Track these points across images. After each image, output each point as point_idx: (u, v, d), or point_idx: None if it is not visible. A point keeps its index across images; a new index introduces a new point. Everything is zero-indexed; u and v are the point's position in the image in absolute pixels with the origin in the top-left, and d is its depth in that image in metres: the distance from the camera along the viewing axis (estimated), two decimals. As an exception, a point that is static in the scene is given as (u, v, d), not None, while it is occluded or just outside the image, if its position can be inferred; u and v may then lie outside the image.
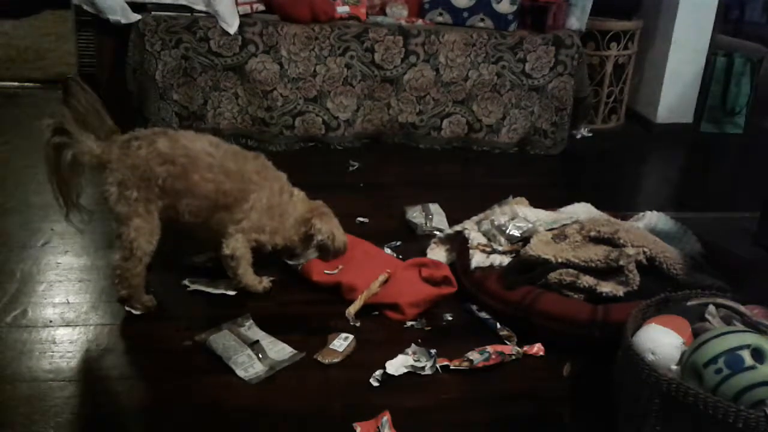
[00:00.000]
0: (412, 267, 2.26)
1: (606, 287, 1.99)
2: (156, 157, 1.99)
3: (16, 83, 4.46)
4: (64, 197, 1.99)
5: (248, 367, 1.84)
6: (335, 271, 2.24)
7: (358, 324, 2.06)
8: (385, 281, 2.19)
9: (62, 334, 1.99)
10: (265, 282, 2.22)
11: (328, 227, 2.26)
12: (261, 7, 3.55)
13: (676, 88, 4.15)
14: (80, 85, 1.96)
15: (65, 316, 2.07)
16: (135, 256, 2.01)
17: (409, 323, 2.08)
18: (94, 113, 1.99)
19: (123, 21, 3.33)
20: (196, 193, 2.05)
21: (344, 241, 2.30)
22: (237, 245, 2.13)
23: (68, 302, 2.14)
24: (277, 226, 2.20)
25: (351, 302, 2.13)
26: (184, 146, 2.04)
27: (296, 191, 2.29)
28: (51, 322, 2.04)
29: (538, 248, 2.14)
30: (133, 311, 2.06)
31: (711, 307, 1.67)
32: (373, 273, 2.21)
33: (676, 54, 4.07)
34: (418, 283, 2.19)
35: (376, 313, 2.12)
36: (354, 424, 1.65)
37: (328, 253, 2.28)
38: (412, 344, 1.96)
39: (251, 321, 2.02)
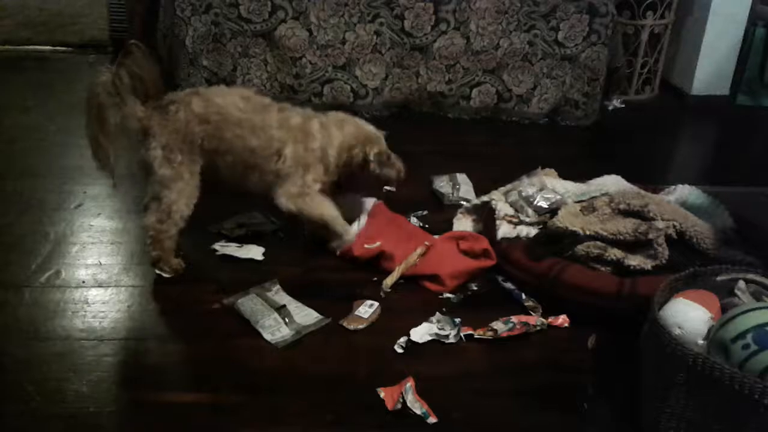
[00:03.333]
0: (450, 240, 2.25)
1: (634, 260, 1.97)
2: (193, 119, 2.04)
3: (48, 47, 4.51)
4: (103, 157, 2.02)
5: (275, 331, 1.87)
6: (375, 245, 2.19)
7: (383, 295, 2.06)
8: (423, 254, 2.18)
9: (95, 294, 2.03)
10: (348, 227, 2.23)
11: (380, 151, 2.22)
12: (291, -27, 3.53)
13: (713, 59, 4.05)
14: (142, 50, 1.99)
15: (98, 277, 2.12)
16: (172, 219, 2.06)
17: (447, 295, 2.08)
18: (153, 80, 2.04)
19: (154, -15, 3.34)
20: (230, 149, 2.09)
21: (400, 166, 2.28)
22: (286, 199, 2.15)
23: (101, 264, 2.18)
24: (320, 173, 2.17)
25: (387, 271, 2.14)
26: (217, 104, 2.08)
27: (328, 117, 2.24)
28: (84, 282, 2.09)
29: (565, 220, 2.12)
30: (163, 274, 2.10)
31: (741, 283, 1.65)
32: (410, 245, 2.20)
33: (714, 24, 3.96)
34: (458, 256, 2.18)
35: (402, 281, 2.13)
36: (378, 389, 1.68)
37: (389, 177, 2.27)
38: (437, 312, 1.97)
39: (278, 286, 2.05)
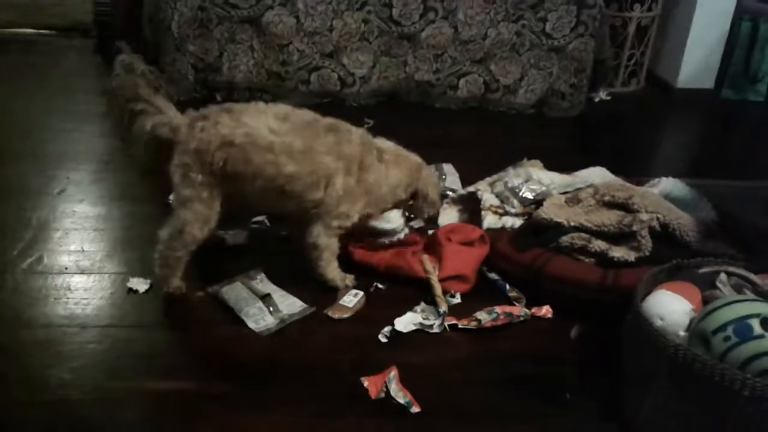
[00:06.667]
0: (444, 238, 2.14)
1: (617, 252, 1.99)
2: (216, 141, 1.84)
3: (32, 30, 4.45)
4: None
5: (259, 320, 1.86)
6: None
7: (444, 309, 1.95)
8: (428, 260, 2.08)
9: (77, 281, 2.02)
10: (348, 280, 2.06)
11: (436, 195, 2.14)
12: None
13: (699, 52, 4.07)
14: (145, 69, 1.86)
15: (80, 263, 2.10)
16: (182, 240, 1.90)
17: (456, 293, 2.04)
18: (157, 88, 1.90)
19: (139, -31, 3.30)
20: (259, 175, 1.87)
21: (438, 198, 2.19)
22: (320, 233, 1.97)
23: (83, 250, 2.16)
24: (365, 204, 1.99)
25: (360, 262, 2.11)
26: (246, 124, 1.86)
27: (385, 151, 2.04)
28: (66, 269, 2.07)
29: (550, 211, 2.13)
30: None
31: (722, 275, 1.67)
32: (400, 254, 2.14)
33: (701, 17, 3.98)
34: (463, 249, 2.13)
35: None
36: (361, 378, 1.68)
37: (420, 212, 2.17)
38: (421, 302, 1.98)
39: (263, 274, 2.05)
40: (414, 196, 2.11)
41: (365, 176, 1.97)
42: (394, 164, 2.04)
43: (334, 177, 1.92)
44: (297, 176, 1.88)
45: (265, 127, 1.87)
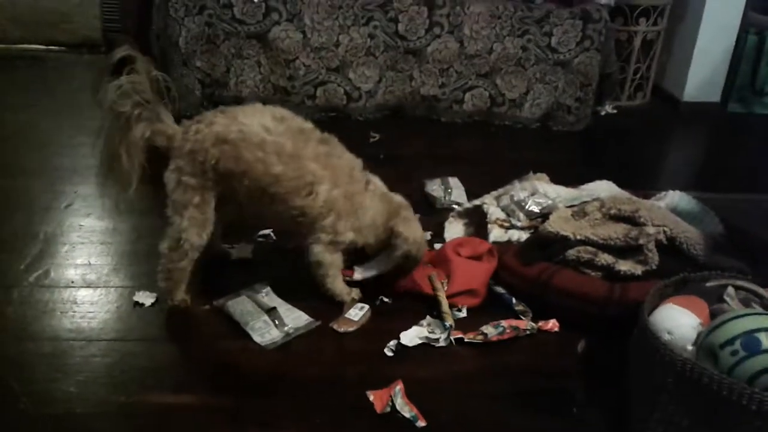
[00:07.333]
0: (452, 253, 2.14)
1: (624, 265, 1.98)
2: (211, 138, 1.85)
3: (42, 46, 4.49)
4: (124, 178, 1.87)
5: (265, 333, 1.86)
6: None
7: (450, 323, 1.94)
8: (436, 277, 2.07)
9: (83, 295, 2.02)
10: (354, 293, 2.05)
11: (413, 235, 1.98)
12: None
13: (705, 66, 4.07)
14: (146, 65, 1.81)
15: (87, 277, 2.10)
16: (182, 249, 1.90)
17: (462, 307, 2.04)
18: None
19: (148, -15, 3.33)
20: (248, 173, 1.86)
21: (425, 248, 2.06)
22: (320, 250, 1.96)
23: (90, 264, 2.17)
24: (352, 226, 1.95)
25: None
26: (241, 122, 1.86)
27: (373, 182, 2.02)
28: (73, 282, 2.07)
29: (557, 225, 2.13)
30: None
31: (730, 289, 1.66)
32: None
33: (706, 31, 3.99)
34: (473, 263, 2.12)
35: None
36: (367, 392, 1.67)
37: (406, 263, 2.02)
38: (427, 316, 1.97)
39: (269, 288, 2.04)
40: (391, 235, 1.98)
41: (353, 195, 1.94)
42: (378, 198, 2.00)
43: (318, 185, 1.89)
44: (282, 178, 1.86)
45: (259, 125, 1.87)
